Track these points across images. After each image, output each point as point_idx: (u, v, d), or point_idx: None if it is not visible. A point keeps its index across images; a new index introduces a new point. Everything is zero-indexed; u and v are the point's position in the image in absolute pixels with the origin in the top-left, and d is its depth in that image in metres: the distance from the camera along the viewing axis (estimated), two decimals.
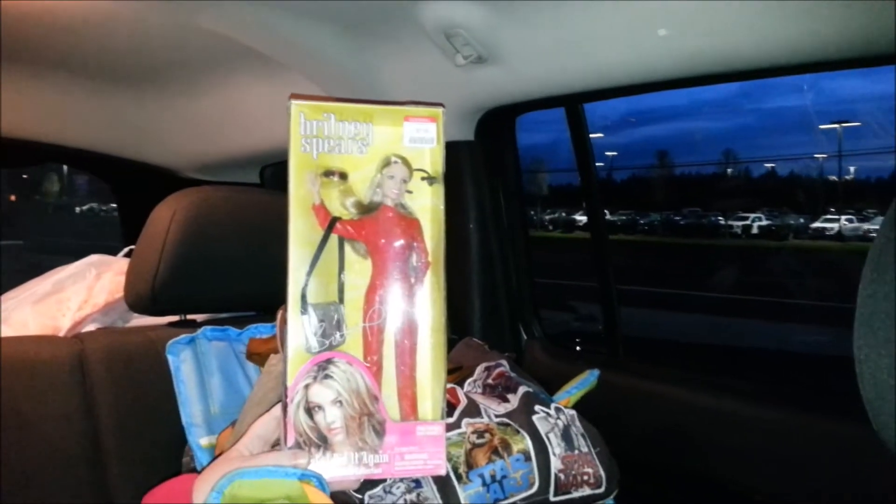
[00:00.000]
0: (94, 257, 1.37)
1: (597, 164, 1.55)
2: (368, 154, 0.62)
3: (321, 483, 0.58)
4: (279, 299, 0.98)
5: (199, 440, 0.97)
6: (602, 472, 0.95)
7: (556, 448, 0.92)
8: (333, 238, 0.61)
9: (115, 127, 1.83)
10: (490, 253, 1.51)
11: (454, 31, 1.17)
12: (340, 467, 0.59)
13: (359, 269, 0.62)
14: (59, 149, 1.84)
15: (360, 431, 0.60)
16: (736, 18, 0.98)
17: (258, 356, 1.04)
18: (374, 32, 1.30)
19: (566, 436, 0.94)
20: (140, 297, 1.09)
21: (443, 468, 0.61)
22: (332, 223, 0.61)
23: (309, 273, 0.60)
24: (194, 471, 0.96)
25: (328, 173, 0.61)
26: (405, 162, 0.62)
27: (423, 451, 0.61)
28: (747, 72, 1.08)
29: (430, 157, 0.63)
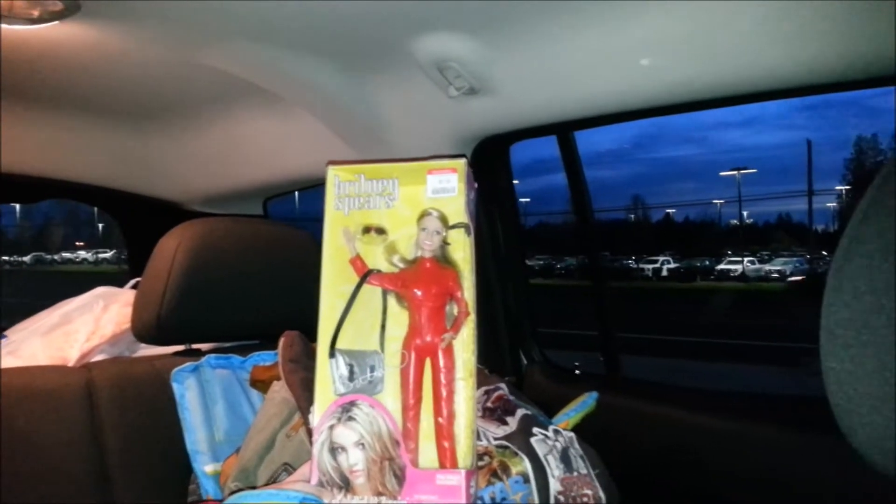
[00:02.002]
0: (101, 289, 1.40)
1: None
2: (397, 208, 0.66)
3: None
4: (281, 328, 1.01)
5: (205, 467, 0.99)
6: (601, 494, 0.96)
7: (554, 470, 0.93)
8: (376, 290, 0.64)
9: (121, 162, 1.87)
10: (489, 279, 1.53)
11: (447, 64, 1.21)
12: None
13: (397, 319, 0.64)
14: (65, 184, 1.87)
15: (381, 475, 0.61)
16: (725, 44, 1.01)
17: (261, 383, 1.06)
18: (371, 66, 1.34)
19: (565, 457, 0.96)
20: (146, 327, 1.11)
21: None
22: (365, 275, 0.64)
23: (341, 320, 0.63)
24: (201, 498, 0.97)
25: (367, 229, 0.65)
26: (439, 214, 0.65)
27: (443, 499, 0.61)
28: (738, 97, 1.11)
29: (454, 207, 0.65)
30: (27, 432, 0.99)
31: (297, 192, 2.04)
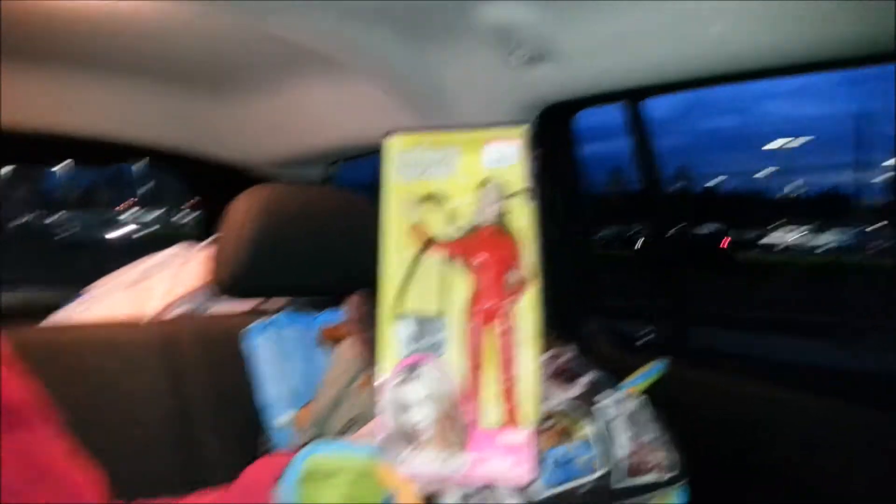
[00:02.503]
0: (178, 247, 1.45)
1: None
2: (455, 176, 0.66)
3: (392, 460, 0.61)
4: (349, 288, 1.04)
5: (277, 420, 1.03)
6: (668, 461, 0.96)
7: (620, 435, 0.93)
8: (438, 257, 0.65)
9: (192, 127, 1.93)
10: (552, 247, 1.52)
11: (509, 31, 1.20)
12: (425, 465, 0.62)
13: (459, 286, 0.65)
14: (141, 148, 1.95)
15: (445, 432, 0.62)
16: (794, 10, 0.96)
17: (330, 341, 1.10)
18: (432, 33, 1.33)
19: (631, 423, 0.96)
20: (221, 285, 1.16)
21: (525, 478, 0.61)
22: (426, 243, 0.65)
23: (404, 285, 0.64)
24: (274, 448, 1.02)
25: (427, 198, 0.66)
26: (499, 182, 0.65)
27: (506, 458, 0.61)
28: (806, 65, 1.07)
29: (514, 175, 0.65)
30: (109, 385, 1.04)
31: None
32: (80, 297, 1.36)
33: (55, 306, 1.39)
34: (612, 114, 1.47)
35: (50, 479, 0.62)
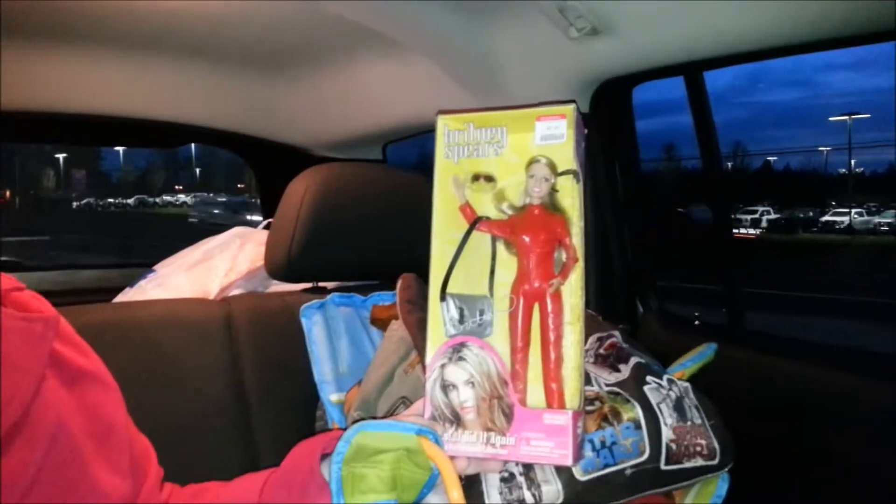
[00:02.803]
0: (237, 229, 1.51)
1: None
2: (504, 155, 0.66)
3: (436, 438, 0.62)
4: (400, 269, 1.05)
5: (330, 396, 1.06)
6: (716, 445, 0.94)
7: (667, 418, 0.93)
8: (486, 237, 0.66)
9: (252, 109, 1.98)
10: (605, 226, 1.51)
11: (567, 4, 1.17)
12: (469, 444, 0.63)
13: (506, 265, 0.66)
14: (203, 130, 2.01)
15: (490, 412, 0.62)
16: None
17: (381, 321, 1.12)
18: (488, 8, 1.32)
19: (678, 407, 0.95)
20: (277, 265, 1.20)
21: (568, 459, 0.61)
22: (475, 222, 0.66)
23: (451, 266, 0.65)
24: (327, 424, 1.05)
25: (476, 177, 0.66)
26: (548, 161, 0.64)
27: (550, 439, 0.61)
28: (872, 35, 1.02)
29: (563, 153, 0.65)
30: (174, 359, 1.10)
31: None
32: (147, 277, 1.43)
33: (124, 285, 1.47)
34: (653, 91, 1.44)
35: (116, 439, 0.66)
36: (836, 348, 1.24)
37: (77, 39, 1.53)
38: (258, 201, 2.45)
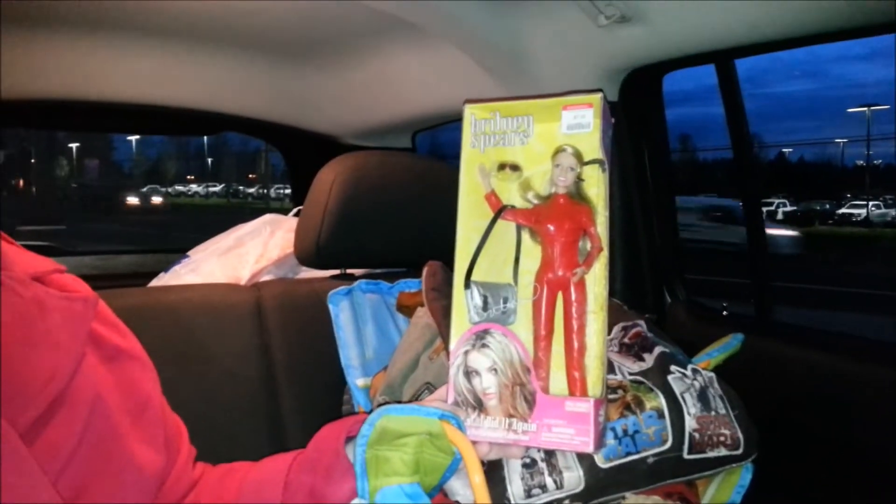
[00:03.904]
0: (268, 217, 1.53)
1: None
2: (531, 144, 0.66)
3: (459, 423, 0.63)
4: (426, 257, 1.07)
5: (356, 381, 1.08)
6: (740, 435, 0.94)
7: (690, 408, 0.93)
8: (511, 225, 0.66)
9: (282, 97, 1.99)
10: (633, 215, 1.50)
11: None
12: (491, 430, 0.63)
13: (530, 253, 0.66)
14: (235, 118, 2.04)
15: (512, 399, 0.63)
16: None
17: (406, 308, 1.14)
18: None
19: (702, 397, 0.95)
20: (306, 252, 1.22)
21: (589, 446, 0.61)
22: (500, 210, 0.66)
23: (476, 254, 0.66)
24: (353, 407, 1.07)
25: (502, 166, 0.67)
26: (574, 150, 0.65)
27: (571, 426, 0.62)
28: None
29: (589, 143, 0.65)
30: (206, 342, 1.13)
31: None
32: (181, 262, 1.46)
33: (159, 270, 1.50)
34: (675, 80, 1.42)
35: (152, 415, 0.68)
36: (862, 340, 1.22)
37: (114, 29, 1.56)
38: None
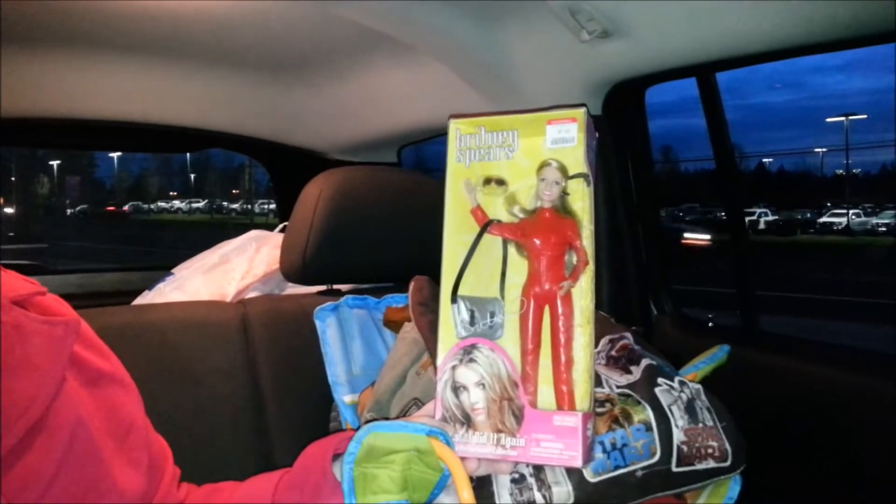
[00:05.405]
0: (254, 233, 1.53)
1: None
2: (516, 159, 0.66)
3: (447, 439, 0.63)
4: (413, 272, 1.06)
5: (344, 397, 1.07)
6: (728, 447, 0.94)
7: (678, 420, 0.93)
8: (497, 239, 0.66)
9: (269, 114, 2.00)
10: (618, 228, 1.51)
11: (579, 7, 1.18)
12: (479, 445, 0.63)
13: (517, 268, 0.66)
14: (221, 135, 2.04)
15: (500, 414, 0.63)
16: None
17: (394, 323, 1.13)
18: (501, 12, 1.33)
19: (690, 409, 0.95)
20: (292, 269, 1.21)
21: (578, 460, 0.61)
22: (486, 225, 0.66)
23: (462, 269, 0.66)
24: (341, 424, 1.07)
25: (488, 180, 0.67)
26: (558, 164, 0.65)
27: (560, 440, 0.61)
28: (883, 35, 1.01)
29: (574, 157, 0.65)
30: (191, 360, 1.12)
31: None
32: (166, 280, 1.45)
33: (143, 288, 1.49)
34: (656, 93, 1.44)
35: (135, 438, 0.68)
36: (850, 350, 1.23)
37: (99, 47, 1.56)
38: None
